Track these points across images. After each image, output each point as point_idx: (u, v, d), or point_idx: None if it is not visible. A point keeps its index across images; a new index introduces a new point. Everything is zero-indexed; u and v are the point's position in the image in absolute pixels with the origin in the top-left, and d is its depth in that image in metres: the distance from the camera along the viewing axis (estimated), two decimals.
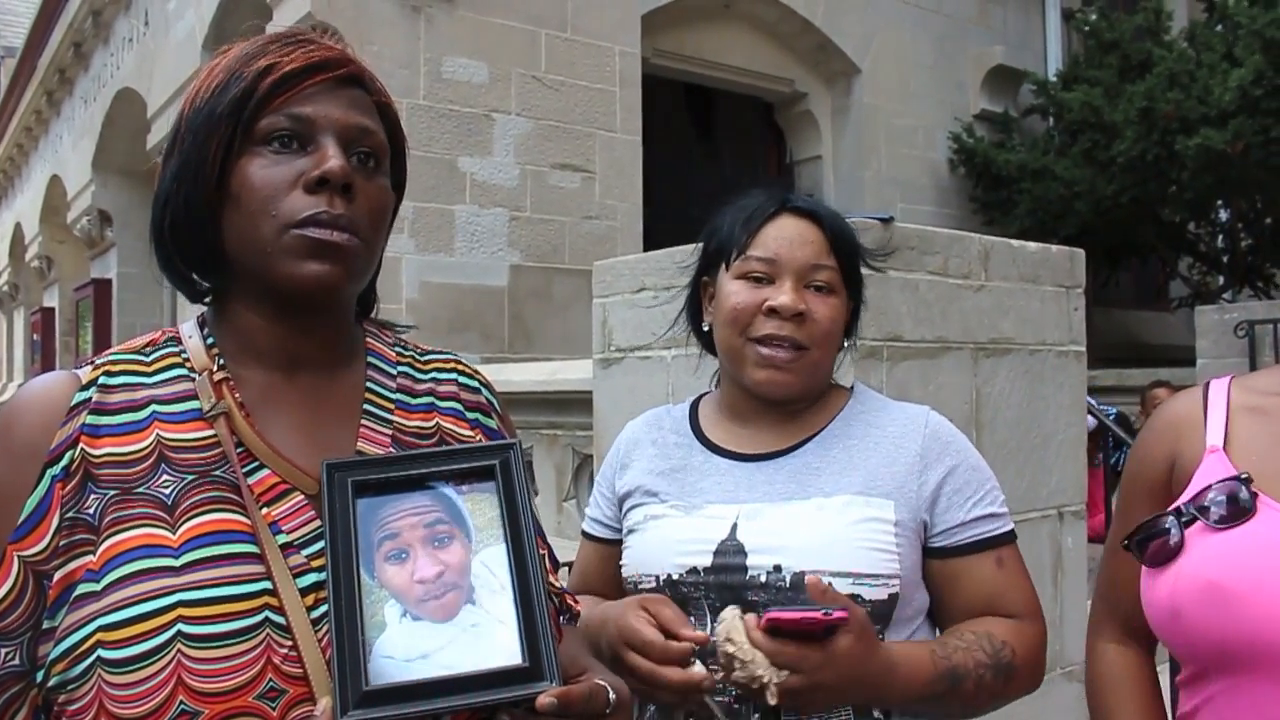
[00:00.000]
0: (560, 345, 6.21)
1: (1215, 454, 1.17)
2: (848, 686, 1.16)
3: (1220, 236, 9.70)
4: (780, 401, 1.38)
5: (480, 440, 1.09)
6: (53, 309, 13.90)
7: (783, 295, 1.32)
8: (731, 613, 1.17)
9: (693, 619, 1.31)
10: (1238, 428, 1.18)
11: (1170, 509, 1.15)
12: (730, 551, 1.30)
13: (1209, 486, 1.12)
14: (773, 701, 1.13)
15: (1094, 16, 8.96)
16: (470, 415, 1.11)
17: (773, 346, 1.33)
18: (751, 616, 1.15)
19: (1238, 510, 1.09)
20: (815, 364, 1.36)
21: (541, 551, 1.06)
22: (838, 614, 1.12)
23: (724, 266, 1.39)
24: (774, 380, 1.34)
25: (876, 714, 1.27)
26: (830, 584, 1.19)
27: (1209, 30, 8.34)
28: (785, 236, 1.35)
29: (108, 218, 11.13)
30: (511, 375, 4.32)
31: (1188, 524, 1.12)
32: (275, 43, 1.00)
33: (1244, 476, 1.11)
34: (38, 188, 14.09)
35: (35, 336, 14.64)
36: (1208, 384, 1.25)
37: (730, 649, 1.14)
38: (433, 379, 1.12)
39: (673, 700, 1.21)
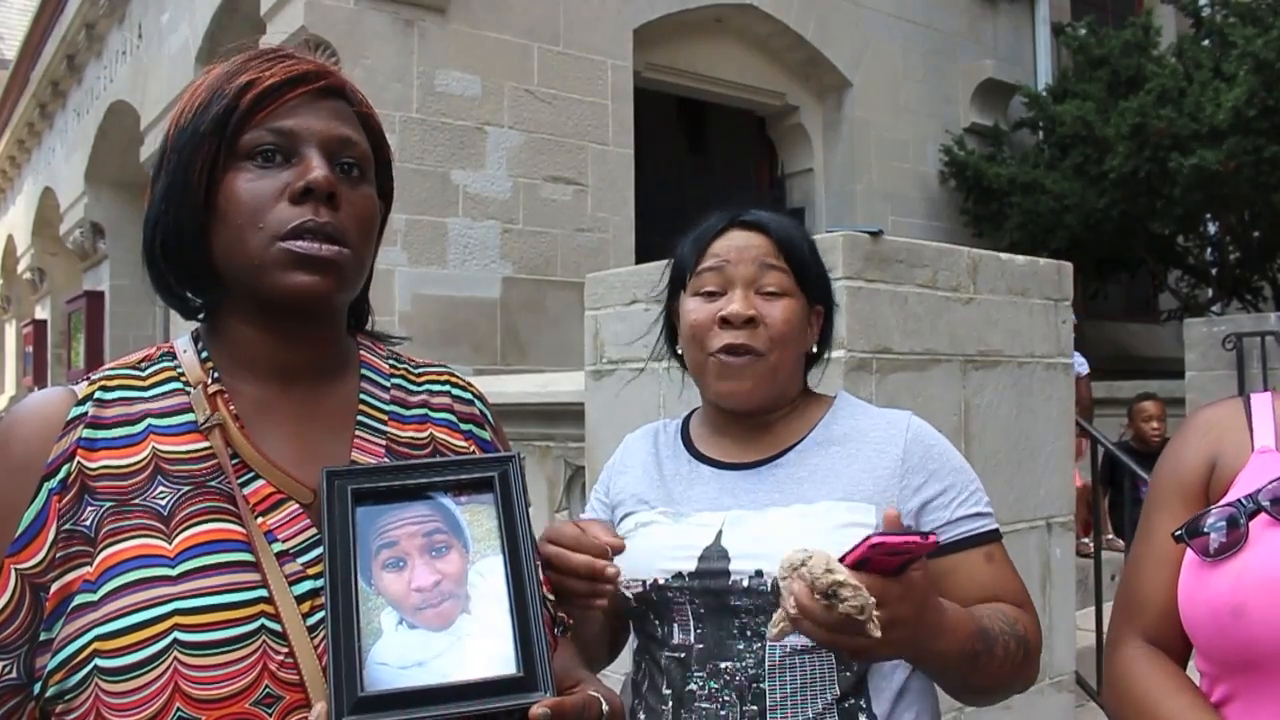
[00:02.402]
0: (552, 357, 6.21)
1: (1268, 454, 1.14)
2: (917, 623, 1.10)
3: (1209, 250, 9.74)
4: (748, 413, 1.41)
5: (474, 451, 1.10)
6: (45, 321, 13.86)
7: (733, 304, 1.35)
8: (803, 553, 1.06)
9: (676, 625, 1.34)
10: None
11: (1226, 502, 1.11)
12: (714, 557, 1.32)
13: (1272, 481, 1.08)
14: (876, 634, 1.03)
15: (1083, 31, 9.01)
16: (464, 426, 1.13)
17: (729, 355, 1.36)
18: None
19: None
20: (773, 368, 1.37)
21: (537, 563, 1.08)
22: (932, 537, 1.04)
23: (684, 288, 1.44)
24: (735, 390, 1.37)
25: None
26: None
27: (1197, 46, 8.40)
28: (732, 247, 1.39)
29: (100, 230, 11.11)
30: (504, 387, 4.32)
31: (1251, 516, 1.07)
32: (256, 59, 1.01)
33: None
34: (30, 200, 14.07)
35: (27, 348, 14.59)
36: (1248, 395, 1.24)
37: (839, 577, 1.02)
38: (426, 391, 1.13)
39: (582, 590, 1.14)
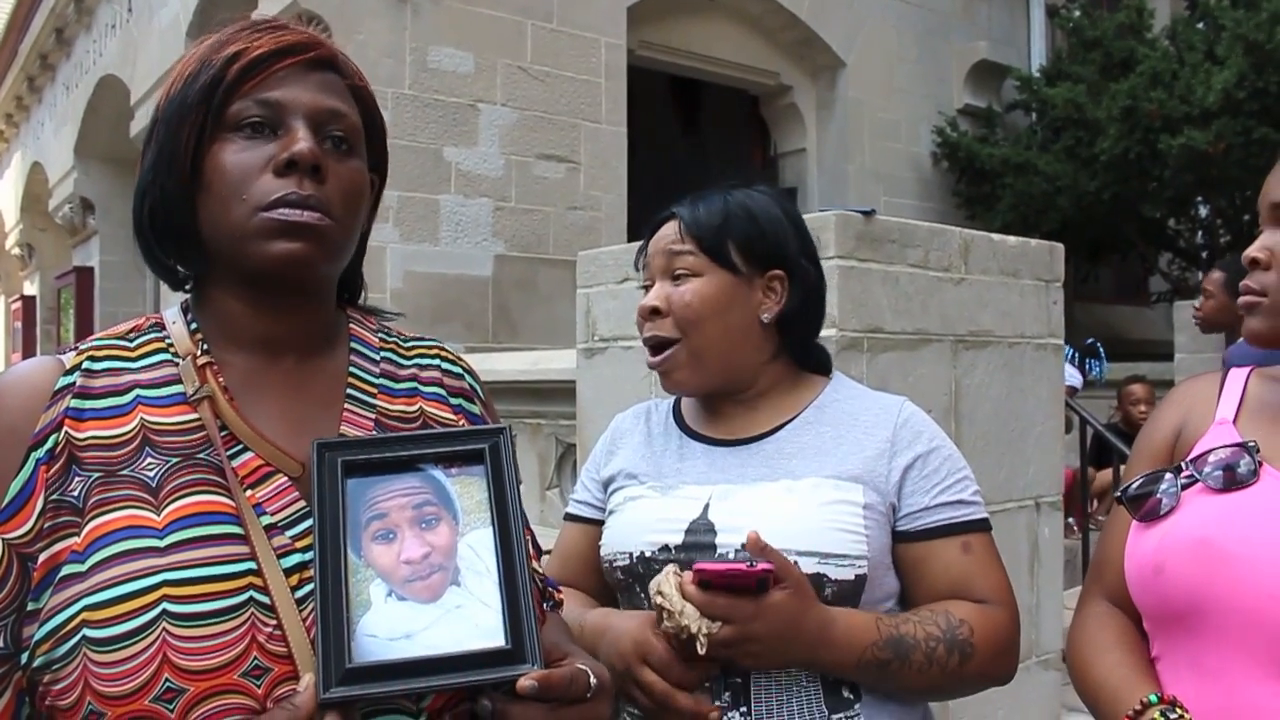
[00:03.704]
0: (544, 335, 6.22)
1: (1224, 425, 1.19)
2: (781, 639, 1.19)
3: (1200, 233, 9.77)
4: (705, 395, 1.45)
5: (463, 424, 1.10)
6: (34, 297, 13.81)
7: (644, 298, 1.42)
8: (667, 569, 1.22)
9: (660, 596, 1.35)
10: (1250, 407, 1.21)
11: (1168, 467, 1.18)
12: (701, 530, 1.33)
13: (1213, 450, 1.14)
14: (701, 652, 1.17)
15: (1077, 13, 9.00)
16: (454, 400, 1.12)
17: (654, 355, 1.41)
18: (688, 573, 1.20)
19: (1241, 475, 1.11)
20: (695, 352, 1.38)
21: (527, 535, 1.08)
22: (762, 565, 1.15)
23: None
24: (669, 386, 1.43)
25: (846, 694, 1.28)
26: (796, 562, 1.24)
27: (1190, 29, 8.39)
28: (654, 241, 1.44)
29: (90, 205, 11.06)
30: (495, 365, 4.32)
31: (1186, 486, 1.14)
32: (246, 29, 1.01)
33: (1251, 445, 1.13)
34: (18, 174, 13.98)
35: (16, 325, 14.54)
36: (1228, 370, 1.28)
37: (659, 600, 1.19)
38: (416, 364, 1.13)
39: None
